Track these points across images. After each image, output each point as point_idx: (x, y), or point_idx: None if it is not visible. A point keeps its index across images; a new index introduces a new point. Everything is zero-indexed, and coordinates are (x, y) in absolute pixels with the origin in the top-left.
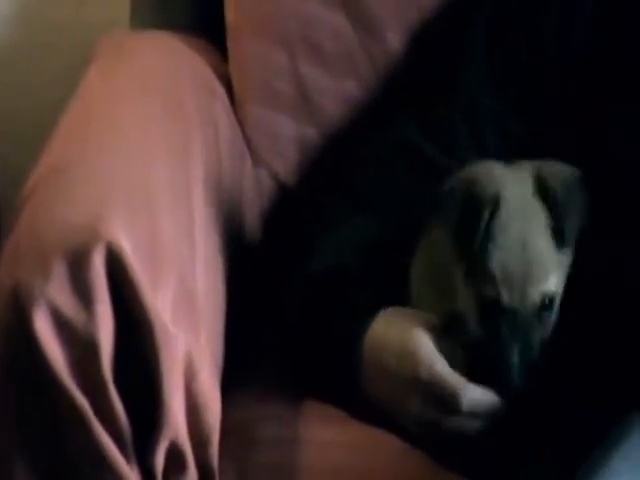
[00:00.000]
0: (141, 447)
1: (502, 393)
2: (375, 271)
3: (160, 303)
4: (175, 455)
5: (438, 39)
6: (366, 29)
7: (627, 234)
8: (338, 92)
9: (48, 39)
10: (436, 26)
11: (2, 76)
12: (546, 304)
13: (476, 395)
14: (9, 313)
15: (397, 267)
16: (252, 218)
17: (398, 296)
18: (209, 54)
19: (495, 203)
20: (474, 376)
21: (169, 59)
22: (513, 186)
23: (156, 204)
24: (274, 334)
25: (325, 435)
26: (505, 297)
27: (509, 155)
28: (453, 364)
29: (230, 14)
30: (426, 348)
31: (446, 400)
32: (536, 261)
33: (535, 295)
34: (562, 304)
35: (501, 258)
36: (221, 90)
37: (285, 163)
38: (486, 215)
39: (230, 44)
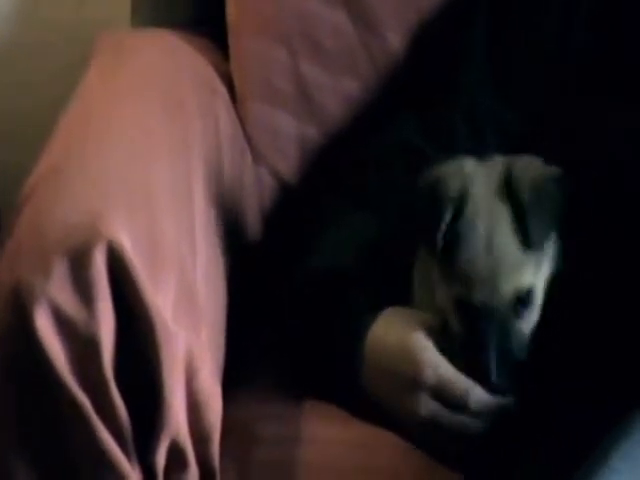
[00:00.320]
0: (142, 445)
1: (487, 388)
2: (375, 271)
3: (161, 301)
4: (176, 453)
5: (438, 39)
6: (367, 27)
7: (627, 234)
8: (338, 90)
9: (48, 37)
10: (436, 26)
11: (2, 75)
12: (522, 299)
13: (483, 394)
14: (10, 311)
15: (397, 267)
16: (252, 216)
17: (398, 296)
18: (210, 52)
19: (459, 201)
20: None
21: (169, 57)
22: (480, 183)
23: (157, 202)
24: (274, 334)
25: (326, 433)
26: (476, 295)
27: (509, 154)
28: (453, 364)
29: (231, 12)
30: (428, 350)
31: (455, 400)
32: (503, 258)
33: (507, 291)
34: (560, 303)
35: (468, 257)
36: (222, 88)
37: (285, 161)
38: (447, 215)
39: (231, 42)
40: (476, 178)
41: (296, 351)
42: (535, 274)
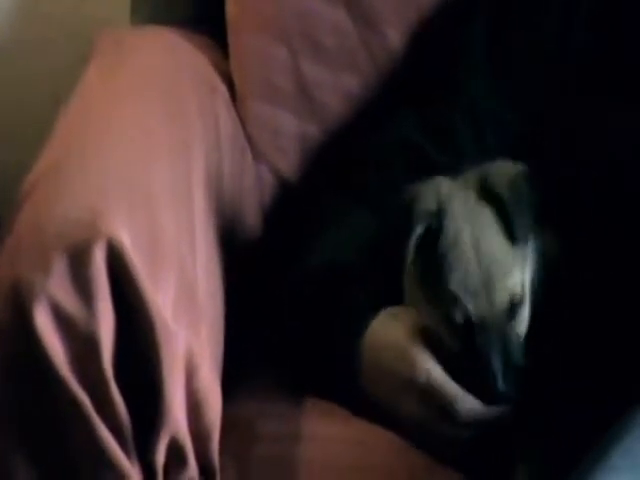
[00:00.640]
0: (142, 443)
1: (492, 401)
2: (375, 270)
3: (160, 299)
4: (176, 451)
5: (438, 37)
6: (367, 25)
7: (627, 234)
8: (339, 88)
9: (48, 34)
10: (436, 24)
11: (1, 71)
12: (515, 301)
13: (474, 405)
14: (10, 309)
15: (397, 266)
16: (252, 214)
17: (398, 295)
18: (210, 50)
19: (437, 216)
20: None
21: (169, 55)
22: (457, 198)
23: (156, 200)
24: (274, 332)
25: (325, 431)
26: (474, 312)
27: (509, 154)
28: (449, 367)
29: (231, 10)
30: (423, 351)
31: (444, 408)
32: (494, 265)
33: (502, 297)
34: (560, 303)
35: (459, 276)
36: (222, 86)
37: (286, 159)
38: (419, 228)
39: (231, 40)
40: (452, 194)
41: (296, 350)
42: (522, 270)
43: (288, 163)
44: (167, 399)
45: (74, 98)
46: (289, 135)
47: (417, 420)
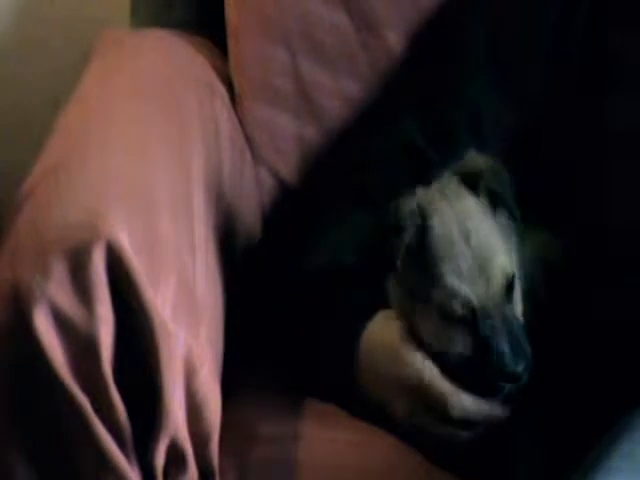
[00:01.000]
0: (141, 445)
1: (501, 391)
2: (374, 272)
3: (160, 301)
4: (175, 452)
5: (438, 39)
6: (366, 28)
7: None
8: (338, 90)
9: (48, 36)
10: (436, 25)
11: (1, 72)
12: (509, 283)
13: (467, 403)
14: (9, 311)
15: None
16: (252, 215)
17: None
18: (209, 52)
19: (421, 216)
20: (466, 386)
21: (169, 57)
22: (436, 195)
23: (156, 202)
24: (273, 333)
25: (323, 432)
26: (474, 299)
27: (509, 155)
28: (445, 368)
29: (231, 12)
30: (415, 351)
31: (436, 407)
32: (485, 248)
33: (498, 279)
34: (559, 302)
35: (453, 267)
36: (221, 88)
37: (285, 161)
38: (403, 238)
39: (230, 42)
40: (431, 194)
41: (294, 351)
42: (509, 249)
43: (287, 165)
44: (166, 401)
45: (73, 100)
46: (288, 137)
47: (413, 422)
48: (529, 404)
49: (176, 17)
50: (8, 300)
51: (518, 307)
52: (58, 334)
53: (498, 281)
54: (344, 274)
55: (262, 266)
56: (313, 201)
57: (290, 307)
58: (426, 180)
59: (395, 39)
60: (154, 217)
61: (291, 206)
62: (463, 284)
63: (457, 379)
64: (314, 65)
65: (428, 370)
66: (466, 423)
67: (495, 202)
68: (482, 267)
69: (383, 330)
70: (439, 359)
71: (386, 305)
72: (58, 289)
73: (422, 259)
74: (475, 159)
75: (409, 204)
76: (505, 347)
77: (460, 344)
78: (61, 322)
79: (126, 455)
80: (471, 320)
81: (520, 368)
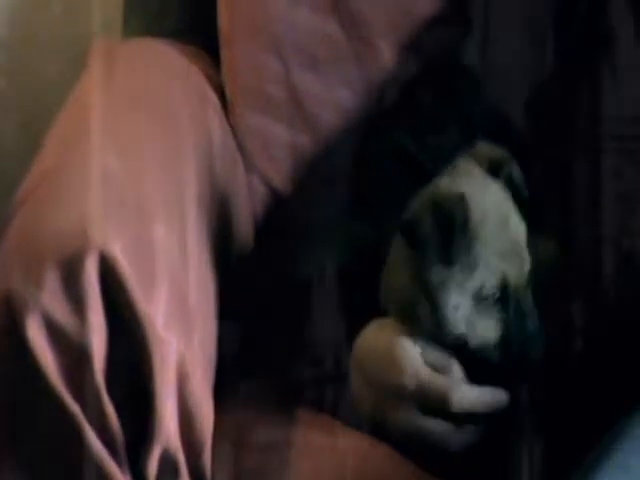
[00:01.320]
0: (134, 454)
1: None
2: (370, 277)
3: (152, 309)
4: (168, 461)
5: (430, 48)
6: (358, 36)
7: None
8: (330, 98)
9: (39, 46)
10: (428, 32)
11: None
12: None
13: (469, 395)
14: (2, 321)
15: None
16: (244, 224)
17: None
18: (201, 61)
19: (461, 204)
20: (476, 378)
21: (161, 66)
22: (463, 180)
23: (148, 211)
24: (265, 340)
25: (316, 440)
26: (512, 281)
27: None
28: (444, 370)
29: (223, 21)
30: (411, 357)
31: (436, 401)
32: (519, 233)
33: (528, 263)
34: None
35: (494, 251)
36: (214, 96)
37: (277, 169)
38: (459, 217)
39: (222, 50)
40: (459, 180)
41: (289, 357)
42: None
43: (279, 173)
44: (159, 409)
45: (66, 109)
46: (281, 145)
47: (408, 429)
48: (529, 404)
49: (168, 26)
50: (1, 310)
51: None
52: (51, 343)
53: (528, 265)
54: (337, 280)
55: (254, 274)
56: (306, 208)
57: (282, 314)
58: (419, 185)
59: (387, 48)
60: (147, 226)
61: (283, 214)
62: (502, 264)
63: (471, 371)
64: (306, 73)
65: (423, 370)
66: (468, 418)
67: (512, 189)
68: (516, 250)
69: (378, 336)
70: (455, 350)
71: (379, 311)
72: (51, 298)
73: (459, 246)
74: (489, 147)
75: (454, 196)
76: (534, 330)
77: (492, 329)
78: (54, 331)
79: (119, 464)
80: (505, 303)
81: (540, 355)
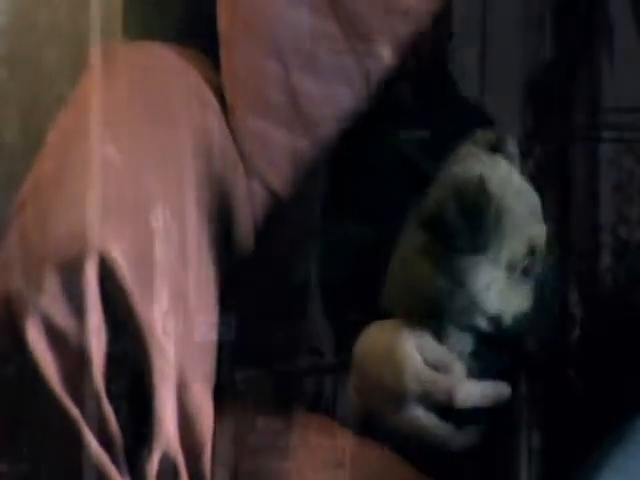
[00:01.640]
0: (134, 457)
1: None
2: (369, 281)
3: (152, 313)
4: (167, 465)
5: (430, 50)
6: (358, 39)
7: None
8: (330, 102)
9: (39, 49)
10: (425, 34)
11: None
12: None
13: (473, 390)
14: (2, 324)
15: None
16: (244, 228)
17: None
18: (201, 64)
19: (482, 184)
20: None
21: (161, 69)
22: (472, 159)
23: (148, 214)
24: (265, 344)
25: (317, 445)
26: (540, 242)
27: None
28: (446, 369)
29: (222, 23)
30: (412, 359)
31: (442, 399)
32: (535, 200)
33: (546, 230)
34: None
35: (517, 219)
36: (213, 100)
37: (277, 173)
38: (483, 198)
39: (222, 53)
40: (470, 160)
41: (288, 360)
42: None
43: (279, 176)
44: (158, 413)
45: (65, 112)
46: (281, 148)
47: (407, 432)
48: (529, 400)
49: (168, 29)
50: (1, 313)
51: None
52: (51, 347)
53: (545, 233)
54: (336, 285)
55: (254, 278)
56: (306, 212)
57: (281, 315)
58: (420, 189)
59: (387, 50)
60: (146, 229)
61: (283, 218)
62: (526, 230)
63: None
64: (305, 75)
65: (424, 371)
66: (469, 418)
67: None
68: (536, 215)
69: (379, 339)
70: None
71: (379, 314)
72: (51, 301)
73: (489, 228)
74: (485, 131)
75: (473, 178)
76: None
77: (525, 298)
78: (54, 335)
79: (118, 468)
80: (533, 269)
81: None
